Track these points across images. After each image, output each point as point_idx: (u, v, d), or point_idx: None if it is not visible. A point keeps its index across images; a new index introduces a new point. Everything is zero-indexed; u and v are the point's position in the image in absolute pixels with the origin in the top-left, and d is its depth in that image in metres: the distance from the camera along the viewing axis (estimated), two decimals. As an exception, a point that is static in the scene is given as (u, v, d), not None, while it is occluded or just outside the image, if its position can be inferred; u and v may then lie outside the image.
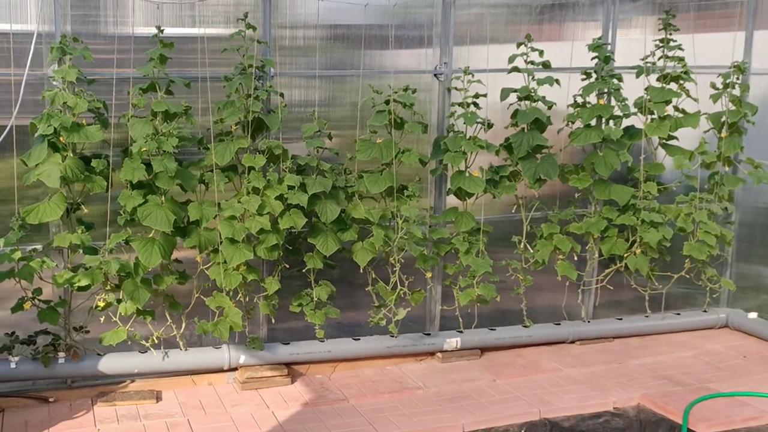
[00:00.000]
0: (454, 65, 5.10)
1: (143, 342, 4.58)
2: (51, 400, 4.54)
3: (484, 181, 4.98)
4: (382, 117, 4.79)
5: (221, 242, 4.45)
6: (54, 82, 4.31)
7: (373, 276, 4.97)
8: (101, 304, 4.39)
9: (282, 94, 4.70)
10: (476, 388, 4.88)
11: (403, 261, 4.89)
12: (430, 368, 5.18)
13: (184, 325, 4.70)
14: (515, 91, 5.06)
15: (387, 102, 4.82)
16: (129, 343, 4.52)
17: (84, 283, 4.27)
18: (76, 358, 4.50)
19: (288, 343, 4.96)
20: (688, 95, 5.33)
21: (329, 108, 5.00)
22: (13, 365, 4.38)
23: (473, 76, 4.94)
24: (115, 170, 4.36)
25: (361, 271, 4.86)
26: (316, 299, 4.78)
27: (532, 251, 5.29)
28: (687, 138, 5.44)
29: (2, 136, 4.27)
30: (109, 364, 4.57)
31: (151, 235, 4.39)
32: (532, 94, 5.02)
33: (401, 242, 4.80)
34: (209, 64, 4.58)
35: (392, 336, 5.05)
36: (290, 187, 4.49)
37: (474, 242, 5.04)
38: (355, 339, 5.11)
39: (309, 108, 4.87)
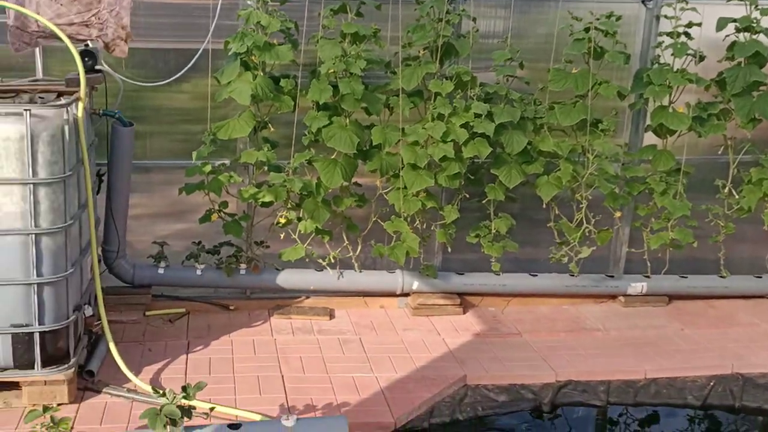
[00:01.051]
0: (666, -8, 4.95)
1: (320, 261, 5.03)
2: (231, 308, 5.14)
3: (690, 118, 4.88)
4: (580, 45, 4.77)
5: (402, 167, 4.72)
6: (248, 2, 4.64)
7: (556, 212, 5.11)
8: (282, 220, 4.84)
9: (474, 19, 4.79)
10: (662, 335, 5.00)
11: (590, 198, 4.96)
12: (610, 311, 5.34)
13: (359, 248, 5.10)
14: (734, 21, 4.85)
15: (587, 29, 4.78)
16: (306, 260, 4.98)
17: (267, 199, 4.72)
18: (256, 271, 5.04)
19: (462, 274, 5.27)
20: None
21: (520, 39, 5.03)
22: (198, 272, 4.97)
23: (687, 3, 4.78)
24: (302, 91, 4.69)
25: (544, 206, 5.01)
26: (494, 231, 4.99)
27: (737, 197, 5.18)
28: None
29: (196, 56, 4.72)
30: (287, 279, 5.09)
31: (333, 157, 4.74)
32: (754, 25, 4.80)
33: (590, 179, 4.87)
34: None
35: (572, 275, 5.21)
36: (477, 115, 4.64)
37: (672, 183, 5.01)
38: (532, 275, 5.34)
39: (498, 38, 4.94)
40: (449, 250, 5.15)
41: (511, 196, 5.03)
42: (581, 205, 4.99)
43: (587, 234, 5.04)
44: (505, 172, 4.83)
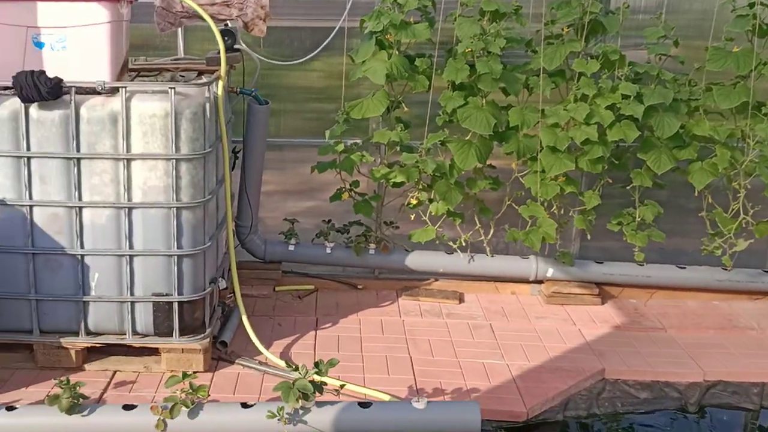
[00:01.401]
0: None
1: (450, 243, 5.05)
2: (359, 287, 5.25)
3: None
4: (743, 22, 4.51)
5: (541, 150, 4.64)
6: (386, -20, 4.70)
7: (710, 201, 4.89)
8: (413, 201, 4.88)
9: (627, -7, 4.65)
10: (830, 339, 4.72)
11: (749, 187, 4.72)
12: (766, 309, 5.08)
13: (492, 231, 5.08)
14: None
15: (751, 5, 4.52)
16: (436, 242, 5.00)
17: (399, 179, 4.77)
18: (385, 251, 5.12)
19: (601, 262, 5.15)
20: None
21: (675, 15, 4.86)
22: (328, 250, 5.10)
23: None
24: (438, 70, 4.70)
25: (696, 194, 4.80)
26: (638, 219, 4.84)
27: None
28: None
29: (332, 35, 4.85)
30: (416, 260, 5.14)
31: (468, 138, 4.73)
32: None
33: (750, 166, 4.63)
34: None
35: (725, 269, 5.00)
36: (624, 97, 4.50)
37: (843, 172, 4.68)
38: (679, 267, 5.14)
39: (650, 14, 4.78)
40: (588, 237, 5.05)
41: (659, 183, 4.86)
42: (738, 195, 4.75)
43: (744, 225, 4.79)
44: (653, 157, 4.65)
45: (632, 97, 4.50)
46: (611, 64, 4.60)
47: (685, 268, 5.15)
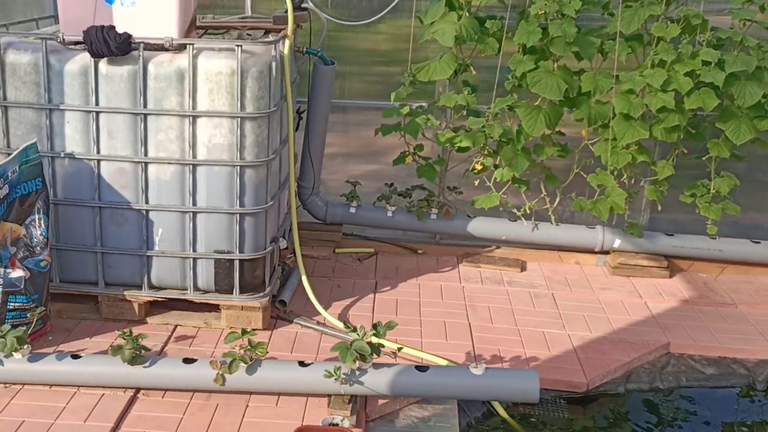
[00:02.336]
0: None
1: (514, 210, 4.98)
2: (419, 252, 5.23)
3: None
4: (832, -14, 4.27)
5: (613, 117, 4.51)
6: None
7: (790, 174, 4.72)
8: (478, 167, 4.81)
9: (710, -46, 4.45)
10: None
11: (832, 161, 4.53)
12: (843, 287, 4.91)
13: (558, 200, 4.98)
14: None
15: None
16: (500, 209, 4.95)
17: (464, 144, 4.70)
18: (447, 216, 5.08)
19: (671, 235, 5.01)
20: None
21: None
22: (389, 214, 5.08)
23: None
24: (509, 33, 4.59)
25: (775, 166, 4.64)
26: (713, 191, 4.69)
27: None
28: None
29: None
30: (479, 227, 5.08)
31: (537, 103, 4.63)
32: None
33: (834, 137, 4.42)
34: None
35: (801, 245, 4.81)
36: (705, 63, 4.32)
37: None
38: (754, 241, 4.98)
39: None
40: (659, 208, 4.91)
41: (737, 154, 4.69)
42: (822, 167, 4.57)
43: (825, 200, 4.62)
44: (733, 127, 4.48)
45: (713, 64, 4.32)
46: (692, 28, 4.42)
47: (759, 242, 4.98)
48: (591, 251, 5.09)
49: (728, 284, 4.93)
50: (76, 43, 3.73)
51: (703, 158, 4.74)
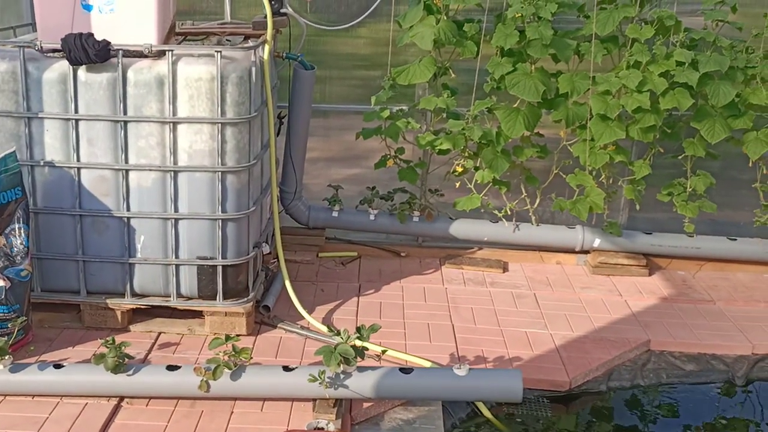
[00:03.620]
0: None
1: (495, 212, 4.98)
2: (402, 254, 5.22)
3: None
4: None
5: (590, 118, 4.53)
6: (432, -56, 4.60)
7: (764, 171, 4.74)
8: (459, 169, 4.81)
9: (685, -47, 4.48)
10: None
11: (808, 157, 4.58)
12: (820, 283, 4.95)
13: (538, 200, 4.99)
14: None
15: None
16: (482, 211, 4.96)
17: (445, 146, 4.70)
18: (429, 219, 5.07)
19: (650, 233, 5.04)
20: None
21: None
22: (371, 217, 5.07)
23: None
24: (486, 36, 4.60)
25: (750, 165, 4.66)
26: (690, 190, 4.72)
27: None
28: None
29: (378, 0, 4.78)
30: (460, 228, 5.08)
31: (516, 105, 4.64)
32: None
33: (808, 136, 4.46)
34: None
35: (778, 242, 4.86)
36: (679, 63, 4.35)
37: None
38: (730, 238, 5.01)
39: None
40: (637, 207, 4.95)
41: (712, 153, 4.72)
42: (795, 165, 4.61)
43: (799, 197, 4.66)
44: (707, 126, 4.51)
45: (687, 64, 4.35)
46: (666, 30, 4.46)
47: (736, 239, 5.02)
48: (572, 251, 5.11)
49: (706, 281, 4.96)
50: (55, 50, 3.69)
51: (679, 157, 4.76)
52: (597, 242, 5.01)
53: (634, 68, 4.44)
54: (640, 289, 4.82)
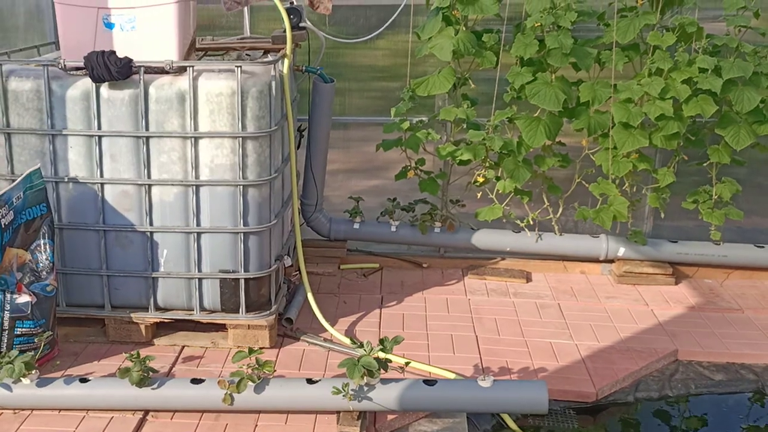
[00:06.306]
0: None
1: (517, 222, 4.97)
2: (425, 265, 5.22)
3: None
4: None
5: (613, 126, 4.51)
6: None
7: (791, 177, 4.72)
8: (480, 179, 4.81)
9: (707, -39, 4.48)
10: None
11: (839, 163, 4.54)
12: None
13: (561, 210, 4.98)
14: None
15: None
16: (504, 221, 4.94)
17: (466, 157, 4.70)
18: (451, 230, 5.07)
19: (675, 242, 5.00)
20: None
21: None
22: (393, 228, 5.09)
23: None
24: (506, 46, 4.61)
25: (776, 170, 4.64)
26: (715, 197, 4.68)
27: None
28: None
29: (398, 11, 4.84)
30: (483, 239, 5.08)
31: (536, 115, 4.63)
32: None
33: (834, 140, 4.42)
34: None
35: (805, 249, 4.80)
36: (702, 70, 4.33)
37: None
38: (758, 246, 4.96)
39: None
40: (662, 216, 4.90)
41: (737, 159, 4.69)
42: (825, 170, 4.57)
43: (827, 203, 4.61)
44: (732, 133, 4.47)
45: (710, 71, 4.33)
46: (688, 36, 4.43)
47: (764, 247, 4.96)
48: (596, 260, 5.08)
49: (734, 289, 4.91)
50: (77, 68, 3.75)
51: (704, 164, 4.73)
52: (622, 251, 4.98)
53: (656, 75, 4.42)
54: (666, 298, 4.78)
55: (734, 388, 4.08)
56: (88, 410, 3.46)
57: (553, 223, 5.01)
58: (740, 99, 4.38)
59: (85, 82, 3.71)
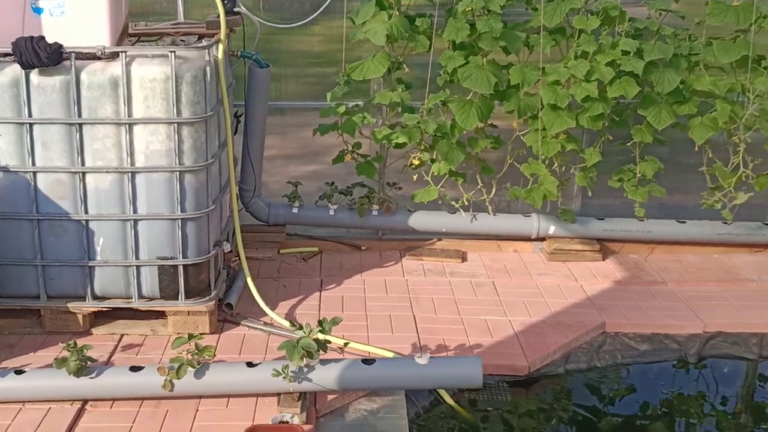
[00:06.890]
0: None
1: (452, 203, 5.02)
2: (363, 248, 5.24)
3: None
4: (743, -25, 4.43)
5: (542, 108, 4.59)
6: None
7: (710, 155, 4.85)
8: (416, 162, 4.85)
9: (625, -55, 4.56)
10: (827, 289, 4.70)
11: (749, 141, 4.68)
12: (767, 261, 5.07)
13: (494, 190, 5.05)
14: None
15: (751, -43, 4.44)
16: (439, 202, 4.99)
17: (401, 140, 4.73)
18: (388, 212, 5.10)
19: (602, 219, 5.13)
20: None
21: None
22: (331, 212, 5.08)
23: None
24: (438, 30, 4.63)
25: (696, 149, 4.77)
26: (639, 175, 4.82)
27: None
28: None
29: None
30: (419, 220, 5.12)
31: (469, 98, 4.67)
32: None
33: (750, 120, 4.59)
34: None
35: (725, 222, 4.99)
36: (624, 53, 4.44)
37: (843, 123, 4.62)
38: (679, 221, 5.13)
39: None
40: (589, 194, 5.02)
41: (659, 139, 4.82)
42: (738, 149, 4.72)
43: (744, 179, 4.77)
44: (654, 113, 4.60)
45: (632, 53, 4.44)
46: (611, 20, 4.53)
47: (685, 222, 5.14)
48: (528, 239, 5.18)
49: (658, 264, 5.07)
50: (5, 54, 3.62)
51: (628, 144, 4.86)
52: (552, 229, 5.08)
53: (582, 58, 4.52)
54: (594, 273, 4.90)
55: (659, 358, 4.23)
56: (25, 402, 3.38)
57: (487, 204, 5.08)
58: (661, 80, 4.51)
59: (14, 69, 3.59)
